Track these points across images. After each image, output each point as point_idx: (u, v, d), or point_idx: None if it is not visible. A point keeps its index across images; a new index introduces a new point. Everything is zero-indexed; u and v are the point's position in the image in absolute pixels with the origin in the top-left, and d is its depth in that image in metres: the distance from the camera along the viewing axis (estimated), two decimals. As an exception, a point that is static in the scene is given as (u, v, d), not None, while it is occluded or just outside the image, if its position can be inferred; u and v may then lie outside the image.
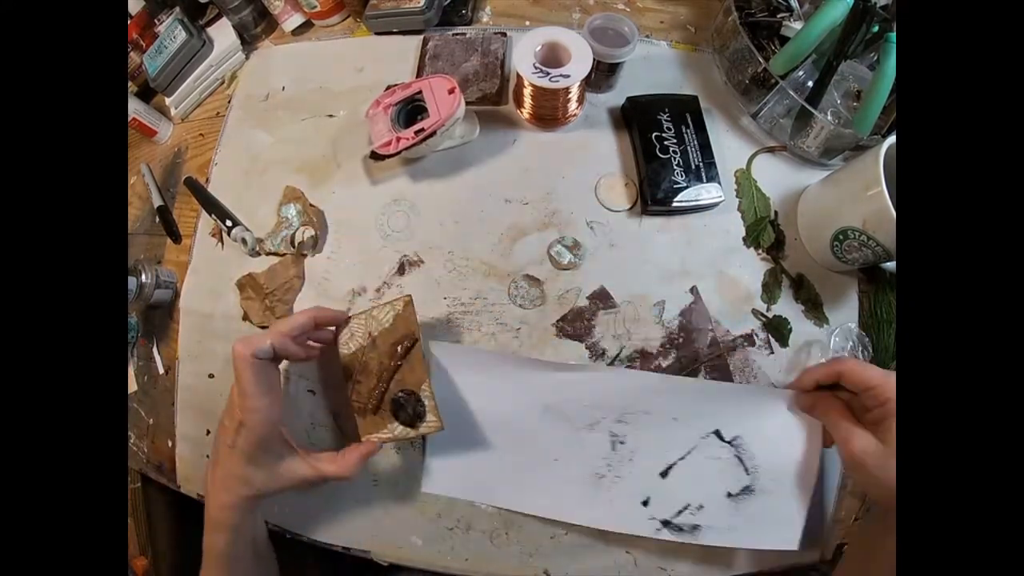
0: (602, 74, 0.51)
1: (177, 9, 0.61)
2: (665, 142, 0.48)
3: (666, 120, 0.49)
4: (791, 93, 0.46)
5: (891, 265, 0.45)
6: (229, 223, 0.52)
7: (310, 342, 0.43)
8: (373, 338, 0.43)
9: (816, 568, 0.46)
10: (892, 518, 0.35)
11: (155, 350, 0.56)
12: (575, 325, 0.47)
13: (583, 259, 0.48)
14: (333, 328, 0.44)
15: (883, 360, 0.46)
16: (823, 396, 0.39)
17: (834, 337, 0.46)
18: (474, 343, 0.47)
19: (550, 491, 0.45)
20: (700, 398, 0.42)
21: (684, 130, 0.49)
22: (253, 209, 0.54)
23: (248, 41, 0.63)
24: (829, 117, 0.49)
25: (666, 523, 0.43)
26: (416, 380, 0.41)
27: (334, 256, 0.51)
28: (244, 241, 0.51)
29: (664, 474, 0.43)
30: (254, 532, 0.43)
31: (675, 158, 0.48)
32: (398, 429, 0.42)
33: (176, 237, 0.57)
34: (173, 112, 0.63)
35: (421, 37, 0.57)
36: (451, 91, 0.46)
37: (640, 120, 0.49)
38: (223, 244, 0.55)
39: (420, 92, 0.47)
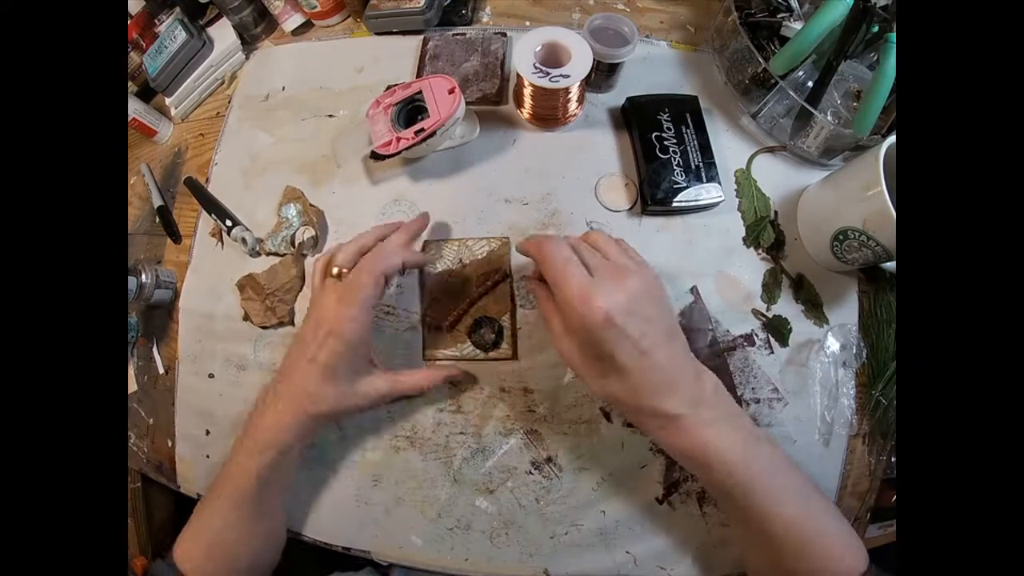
0: (602, 74, 0.51)
1: (177, 9, 0.61)
2: (665, 142, 0.48)
3: (666, 120, 0.49)
4: (791, 93, 0.46)
5: (891, 265, 0.45)
6: (229, 223, 0.52)
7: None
8: (463, 264, 0.47)
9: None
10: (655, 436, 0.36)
11: (155, 350, 0.56)
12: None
13: None
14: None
15: (883, 360, 0.46)
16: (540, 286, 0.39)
17: (829, 336, 0.46)
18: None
19: None
20: None
21: (684, 130, 0.49)
22: (253, 209, 0.54)
23: (248, 41, 0.63)
24: (829, 117, 0.49)
25: None
26: (499, 311, 0.46)
27: (334, 256, 0.51)
28: (244, 241, 0.51)
29: None
30: (292, 468, 0.44)
31: (675, 158, 0.48)
32: (467, 349, 0.46)
33: (176, 237, 0.57)
34: (173, 112, 0.63)
35: (421, 37, 0.57)
36: (451, 91, 0.46)
37: (640, 120, 0.49)
38: (223, 244, 0.55)
39: (420, 92, 0.47)
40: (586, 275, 0.34)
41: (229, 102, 0.61)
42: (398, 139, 0.46)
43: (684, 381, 0.35)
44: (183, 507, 0.62)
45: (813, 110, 0.46)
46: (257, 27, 0.62)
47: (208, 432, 0.52)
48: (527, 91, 0.49)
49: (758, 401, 0.46)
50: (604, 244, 0.38)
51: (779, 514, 0.34)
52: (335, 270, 0.41)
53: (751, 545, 0.38)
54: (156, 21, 0.63)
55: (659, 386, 0.34)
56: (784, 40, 0.49)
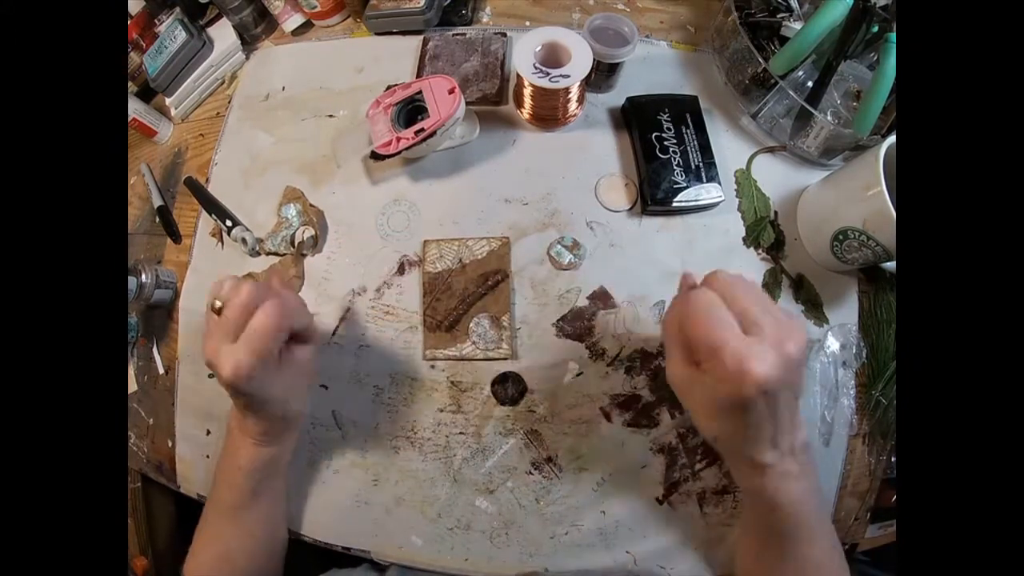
0: (602, 74, 0.51)
1: (177, 9, 0.61)
2: (665, 142, 0.48)
3: (666, 120, 0.49)
4: (791, 93, 0.46)
5: (891, 265, 0.45)
6: (229, 223, 0.52)
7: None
8: (463, 264, 0.47)
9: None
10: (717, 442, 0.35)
11: (155, 350, 0.56)
12: (575, 325, 0.47)
13: (583, 259, 0.48)
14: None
15: (883, 360, 0.46)
16: (670, 319, 0.36)
17: (829, 336, 0.46)
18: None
19: None
20: None
21: (684, 130, 0.49)
22: (253, 209, 0.54)
23: (248, 41, 0.63)
24: (829, 117, 0.49)
25: None
26: (499, 311, 0.47)
27: (334, 256, 0.51)
28: (244, 241, 0.51)
29: None
30: (282, 474, 0.45)
31: (675, 158, 0.48)
32: (467, 348, 0.47)
33: (176, 237, 0.57)
34: (173, 112, 0.63)
35: (421, 37, 0.57)
36: (451, 91, 0.46)
37: (640, 120, 0.49)
38: (223, 244, 0.55)
39: (420, 92, 0.47)
40: (742, 339, 0.30)
41: (229, 102, 0.61)
42: (398, 139, 0.46)
43: (784, 435, 0.33)
44: (183, 507, 0.62)
45: (813, 110, 0.46)
46: (257, 27, 0.62)
47: (208, 432, 0.52)
48: (527, 91, 0.49)
49: (758, 401, 0.46)
50: (750, 295, 0.32)
51: (815, 553, 0.37)
52: (216, 304, 0.36)
53: (766, 570, 0.39)
54: (156, 21, 0.63)
55: (764, 439, 0.33)
56: (784, 40, 0.49)
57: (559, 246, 0.48)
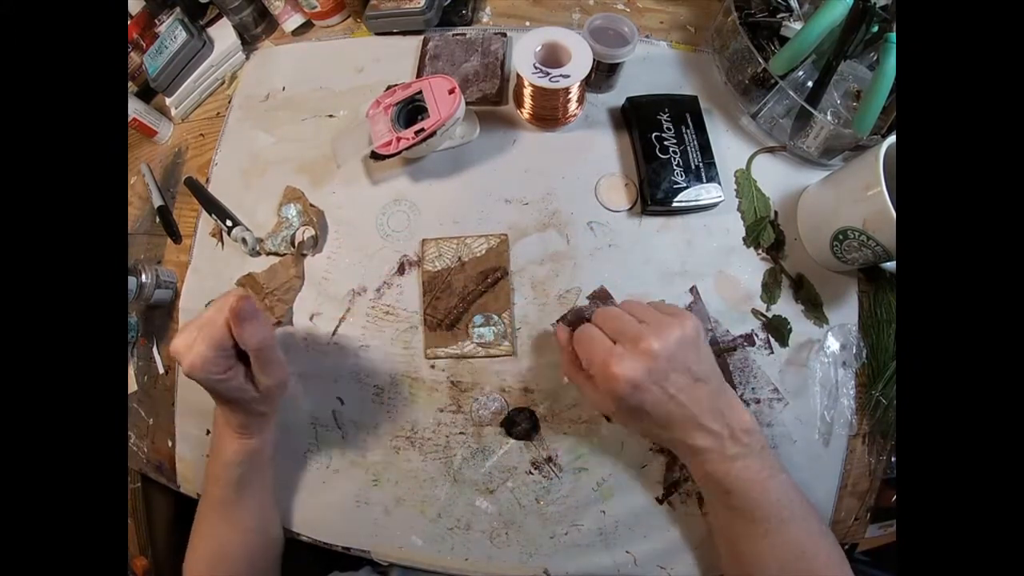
0: (602, 74, 0.51)
1: (177, 9, 0.61)
2: (665, 142, 0.48)
3: (666, 120, 0.49)
4: (791, 93, 0.46)
5: (891, 265, 0.45)
6: (229, 223, 0.52)
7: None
8: (463, 262, 0.48)
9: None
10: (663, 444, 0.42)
11: (155, 350, 0.56)
12: (575, 325, 0.47)
13: (511, 337, 0.46)
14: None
15: (883, 360, 0.46)
16: (565, 363, 0.42)
17: (829, 336, 0.46)
18: (474, 343, 0.47)
19: None
20: None
21: (684, 130, 0.49)
22: (253, 209, 0.54)
23: (248, 41, 0.63)
24: (829, 117, 0.49)
25: None
26: (499, 308, 0.47)
27: (334, 256, 0.51)
28: (244, 241, 0.51)
29: None
30: (266, 466, 0.46)
31: (675, 158, 0.48)
32: (468, 346, 0.47)
33: (176, 237, 0.57)
34: (173, 112, 0.63)
35: (421, 37, 0.57)
36: (451, 91, 0.46)
37: (640, 120, 0.49)
38: (223, 244, 0.55)
39: (420, 92, 0.47)
40: (609, 347, 0.37)
41: (229, 102, 0.61)
42: (398, 139, 0.46)
43: (708, 420, 0.37)
44: (183, 507, 0.62)
45: (813, 110, 0.46)
46: (257, 27, 0.62)
47: (208, 432, 0.52)
48: (527, 91, 0.49)
49: (758, 401, 0.46)
50: (632, 306, 0.40)
51: (791, 536, 0.37)
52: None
53: (748, 559, 0.39)
54: (156, 21, 0.63)
55: (684, 423, 0.37)
56: (784, 40, 0.49)
57: (480, 329, 0.46)
